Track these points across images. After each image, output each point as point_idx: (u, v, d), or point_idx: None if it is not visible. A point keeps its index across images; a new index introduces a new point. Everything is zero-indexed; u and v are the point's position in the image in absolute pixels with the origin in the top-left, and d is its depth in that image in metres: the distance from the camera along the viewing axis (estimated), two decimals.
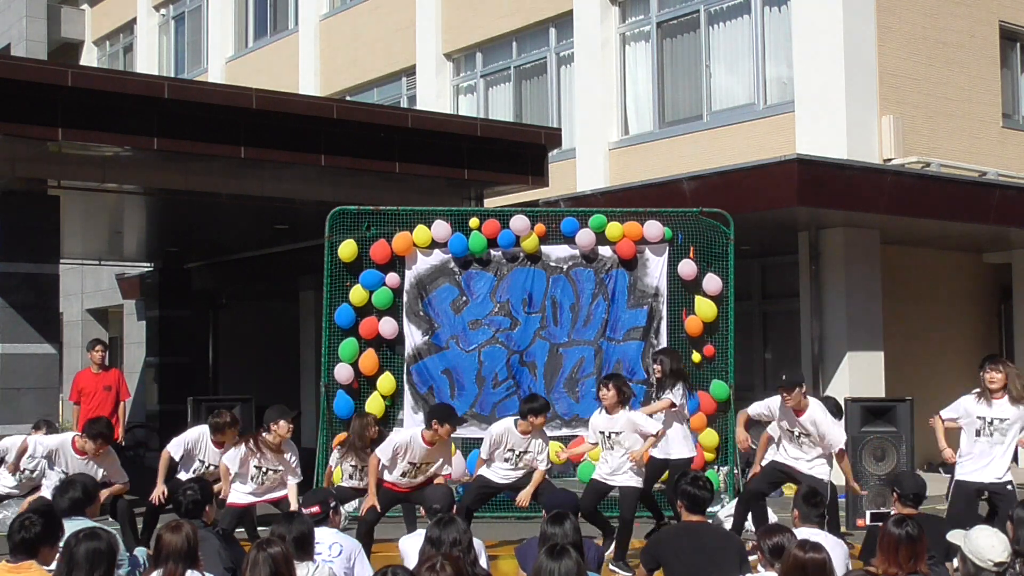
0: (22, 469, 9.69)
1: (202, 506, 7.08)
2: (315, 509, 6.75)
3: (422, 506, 9.27)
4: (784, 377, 9.17)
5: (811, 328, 14.49)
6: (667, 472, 10.19)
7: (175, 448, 9.60)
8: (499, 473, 9.49)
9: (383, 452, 9.03)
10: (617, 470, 9.27)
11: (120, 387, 13.27)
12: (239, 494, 9.12)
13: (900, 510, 7.18)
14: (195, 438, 9.63)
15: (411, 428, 9.42)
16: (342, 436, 11.74)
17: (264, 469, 9.04)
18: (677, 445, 10.06)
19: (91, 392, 13.04)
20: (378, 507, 9.01)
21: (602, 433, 9.35)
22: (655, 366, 10.31)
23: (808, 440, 9.05)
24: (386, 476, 9.07)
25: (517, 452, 9.33)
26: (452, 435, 9.29)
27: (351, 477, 9.68)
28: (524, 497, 9.31)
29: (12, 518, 6.03)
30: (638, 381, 11.90)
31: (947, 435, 9.06)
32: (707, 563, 6.42)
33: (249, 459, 9.01)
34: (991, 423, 8.66)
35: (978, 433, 8.71)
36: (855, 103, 14.68)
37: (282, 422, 8.97)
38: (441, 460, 9.20)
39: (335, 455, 10.24)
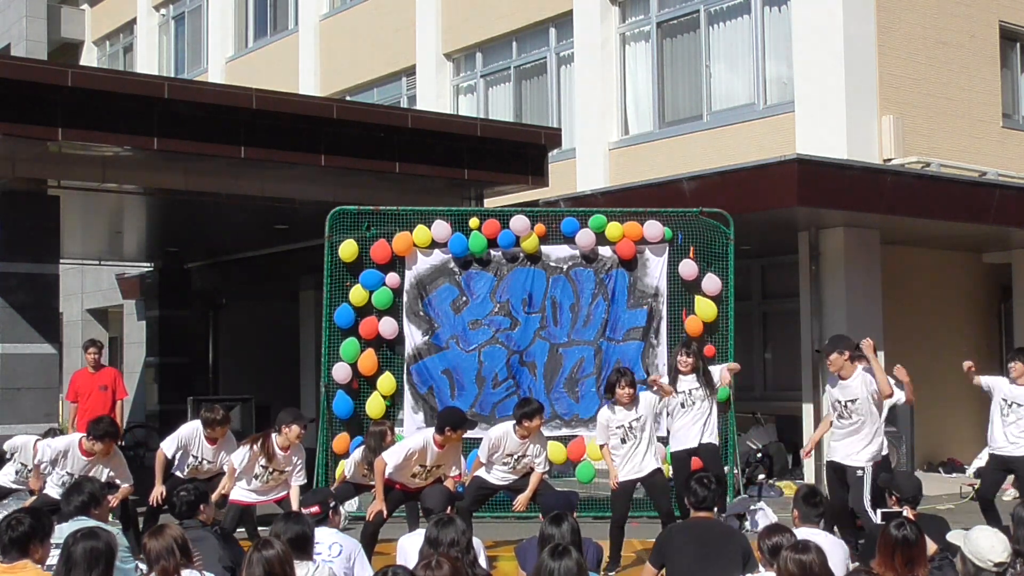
0: (25, 465, 9.69)
1: (196, 506, 7.08)
2: (315, 509, 6.74)
3: (422, 506, 9.26)
4: (827, 342, 9.57)
5: (811, 328, 14.48)
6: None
7: (169, 446, 9.57)
8: (497, 475, 9.46)
9: (392, 457, 8.90)
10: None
11: (116, 386, 13.24)
12: (242, 491, 9.12)
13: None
14: (189, 434, 9.60)
15: (423, 433, 9.34)
16: (343, 438, 11.76)
17: (270, 469, 9.04)
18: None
19: (87, 392, 13.01)
20: (385, 512, 8.93)
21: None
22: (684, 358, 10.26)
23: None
24: (396, 477, 9.04)
25: (516, 457, 9.31)
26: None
27: (364, 476, 9.66)
28: (522, 502, 9.28)
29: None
30: (637, 381, 11.89)
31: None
32: (709, 560, 6.42)
33: (256, 458, 9.00)
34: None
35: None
36: (855, 103, 14.67)
37: (295, 426, 8.94)
38: (451, 461, 9.19)
39: (351, 464, 10.11)
